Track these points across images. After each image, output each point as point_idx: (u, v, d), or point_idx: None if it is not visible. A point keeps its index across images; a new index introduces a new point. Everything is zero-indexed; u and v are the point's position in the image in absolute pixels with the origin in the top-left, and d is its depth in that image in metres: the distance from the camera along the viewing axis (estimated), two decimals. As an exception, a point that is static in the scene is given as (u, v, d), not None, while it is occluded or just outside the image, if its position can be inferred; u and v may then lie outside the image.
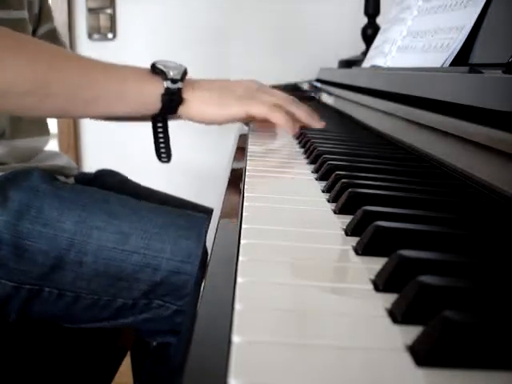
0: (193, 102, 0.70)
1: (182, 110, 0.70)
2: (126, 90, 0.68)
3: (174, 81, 0.68)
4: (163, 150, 0.79)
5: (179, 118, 0.73)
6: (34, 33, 0.90)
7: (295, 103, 0.77)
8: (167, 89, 0.68)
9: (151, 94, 0.68)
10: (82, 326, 0.75)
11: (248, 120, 0.76)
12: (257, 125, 0.81)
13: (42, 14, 0.91)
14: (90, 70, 0.67)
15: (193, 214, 0.74)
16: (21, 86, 0.62)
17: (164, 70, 0.68)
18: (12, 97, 0.63)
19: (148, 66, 0.71)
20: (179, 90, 0.68)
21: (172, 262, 0.67)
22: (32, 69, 0.63)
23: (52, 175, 0.78)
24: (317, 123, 0.79)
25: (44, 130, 0.90)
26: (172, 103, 0.69)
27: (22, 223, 0.67)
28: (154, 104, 0.69)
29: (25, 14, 0.82)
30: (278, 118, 0.71)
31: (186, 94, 0.69)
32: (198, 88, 0.71)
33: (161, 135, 0.77)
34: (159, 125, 0.75)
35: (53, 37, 0.94)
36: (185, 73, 0.70)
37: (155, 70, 0.69)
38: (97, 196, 0.72)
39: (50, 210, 0.68)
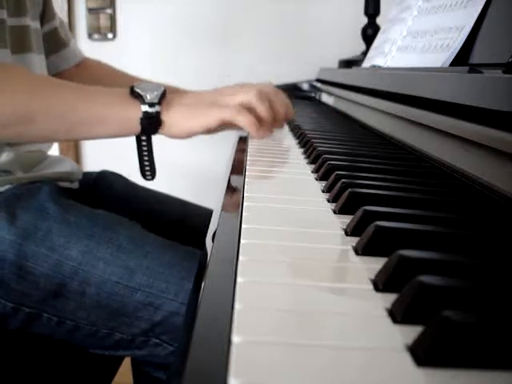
0: (170, 122, 0.70)
1: (161, 130, 0.71)
2: (107, 115, 0.68)
3: (151, 105, 0.68)
4: (147, 168, 0.79)
5: (161, 134, 0.73)
6: None
7: (262, 99, 0.74)
8: (145, 113, 0.68)
9: (131, 118, 0.69)
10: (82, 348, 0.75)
11: (227, 126, 0.75)
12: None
13: (45, 13, 0.91)
14: (71, 97, 0.68)
15: (198, 254, 0.73)
16: (2, 119, 0.63)
17: (141, 93, 0.69)
18: None
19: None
20: (157, 114, 0.69)
21: (173, 303, 0.67)
22: (13, 101, 0.63)
23: (60, 190, 0.78)
24: (280, 124, 0.79)
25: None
26: (151, 126, 0.70)
27: (28, 244, 0.67)
28: (135, 127, 0.70)
29: (27, 20, 0.82)
30: (241, 121, 0.70)
31: (164, 116, 0.70)
32: (173, 106, 0.71)
33: (145, 153, 0.77)
34: (143, 143, 0.76)
35: (55, 35, 0.94)
36: (163, 94, 0.70)
37: (134, 94, 0.69)
38: (105, 224, 0.72)
39: (57, 236, 0.68)
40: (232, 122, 0.70)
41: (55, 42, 0.95)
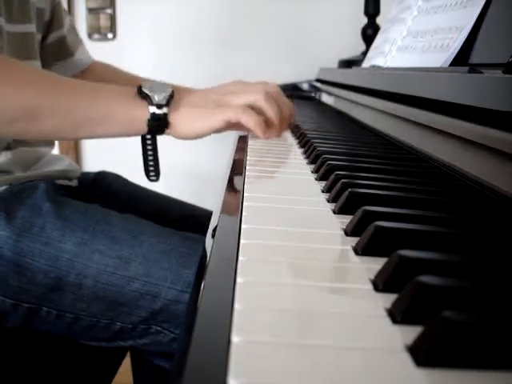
0: (178, 124, 0.69)
1: (168, 131, 0.70)
2: (114, 114, 0.68)
3: (159, 106, 0.68)
4: (152, 168, 0.79)
5: (168, 134, 0.72)
6: (43, 40, 0.90)
7: (270, 100, 0.73)
8: (153, 114, 0.67)
9: (138, 119, 0.68)
10: (83, 343, 0.75)
11: (234, 127, 0.73)
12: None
13: (54, 22, 0.91)
14: (78, 94, 0.67)
15: (195, 239, 0.73)
16: (8, 114, 0.63)
17: (149, 94, 0.68)
18: (1, 124, 0.63)
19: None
20: (165, 115, 0.68)
21: (172, 290, 0.67)
22: (19, 96, 0.63)
23: (56, 189, 0.78)
24: (284, 127, 0.78)
25: (49, 142, 0.90)
26: (158, 127, 0.69)
27: (23, 240, 0.67)
28: (141, 127, 0.69)
29: (32, 27, 0.82)
30: (247, 121, 0.70)
31: (171, 118, 0.69)
32: (180, 107, 0.70)
33: (150, 152, 0.76)
34: (148, 142, 0.75)
35: (62, 44, 0.94)
36: (171, 96, 0.69)
37: (141, 94, 0.69)
38: (99, 217, 0.72)
39: (52, 230, 0.68)
40: (238, 123, 0.70)
41: (62, 51, 0.95)
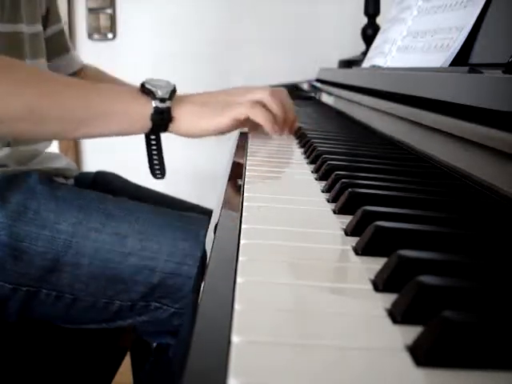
0: (182, 120, 0.70)
1: (171, 127, 0.70)
2: (117, 111, 0.68)
3: (162, 100, 0.68)
4: (157, 166, 0.79)
5: (171, 132, 0.73)
6: None
7: (276, 100, 0.74)
8: (156, 108, 0.68)
9: (141, 114, 0.68)
10: (82, 327, 0.75)
11: (240, 126, 0.74)
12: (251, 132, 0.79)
13: (49, 18, 0.91)
14: (81, 93, 0.68)
15: (190, 215, 0.74)
16: (12, 113, 0.63)
17: (152, 89, 0.68)
18: (5, 123, 0.64)
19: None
20: (168, 109, 0.68)
21: (169, 263, 0.67)
22: (22, 96, 0.63)
23: (50, 177, 0.78)
24: (288, 128, 0.78)
25: None
26: (162, 122, 0.69)
27: (19, 224, 0.67)
28: (145, 124, 0.69)
29: (40, 27, 0.83)
30: (257, 115, 0.70)
31: (175, 112, 0.69)
32: (185, 103, 0.70)
33: (154, 151, 0.77)
34: (153, 142, 0.75)
35: (59, 39, 0.94)
36: (173, 91, 0.70)
37: (144, 90, 0.69)
38: (93, 197, 0.72)
39: (46, 212, 0.68)
40: (246, 119, 0.70)
41: (59, 46, 0.95)
